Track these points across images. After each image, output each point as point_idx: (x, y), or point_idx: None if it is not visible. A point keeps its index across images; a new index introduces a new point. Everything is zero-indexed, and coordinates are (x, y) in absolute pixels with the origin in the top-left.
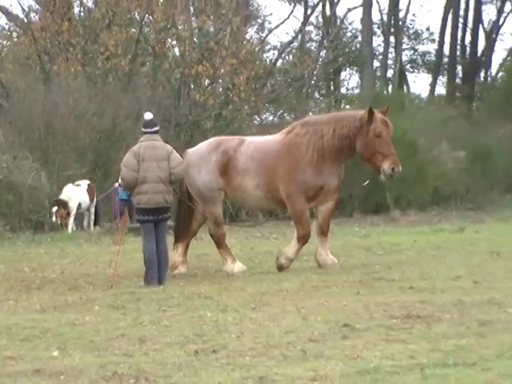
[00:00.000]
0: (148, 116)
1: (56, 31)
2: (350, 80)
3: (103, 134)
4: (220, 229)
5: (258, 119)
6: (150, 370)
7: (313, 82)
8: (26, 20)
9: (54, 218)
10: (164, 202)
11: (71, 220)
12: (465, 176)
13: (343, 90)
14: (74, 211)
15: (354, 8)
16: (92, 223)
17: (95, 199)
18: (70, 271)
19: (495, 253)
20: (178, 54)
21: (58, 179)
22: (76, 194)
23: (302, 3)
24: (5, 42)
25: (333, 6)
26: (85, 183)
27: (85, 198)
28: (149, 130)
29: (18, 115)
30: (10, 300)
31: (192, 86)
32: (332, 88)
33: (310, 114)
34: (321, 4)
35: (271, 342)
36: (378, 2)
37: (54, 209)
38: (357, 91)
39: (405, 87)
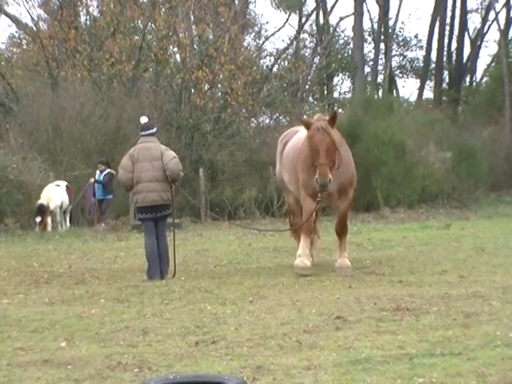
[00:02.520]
0: (143, 120)
1: (63, 39)
2: (343, 85)
3: (108, 137)
4: (293, 217)
5: (255, 122)
6: (153, 360)
7: (307, 86)
8: (34, 28)
9: (37, 229)
10: (160, 200)
11: (58, 218)
12: (451, 176)
13: (336, 95)
14: (57, 210)
15: (346, 16)
16: (68, 223)
17: (72, 200)
18: (76, 266)
19: (480, 248)
20: (179, 60)
21: (66, 179)
22: (57, 194)
23: (297, 12)
24: (15, 50)
25: (326, 14)
26: (63, 184)
27: (65, 198)
28: (144, 132)
29: (27, 118)
30: (20, 294)
31: (192, 90)
32: (325, 92)
33: (305, 117)
34: (314, 13)
35: (268, 334)
36: (368, 11)
37: (38, 219)
38: (349, 95)
39: (394, 92)
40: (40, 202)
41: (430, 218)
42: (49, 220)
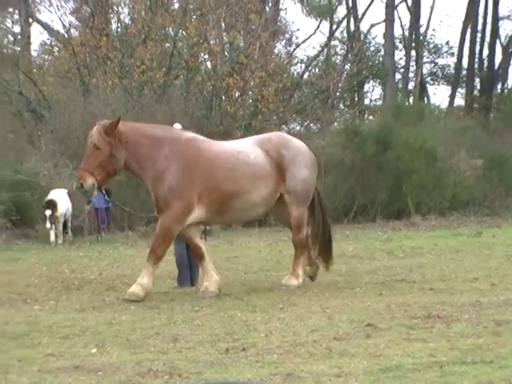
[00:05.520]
0: (177, 126)
1: (95, 46)
2: (373, 92)
3: None
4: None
5: (286, 129)
6: (183, 367)
7: (338, 93)
8: (66, 35)
9: (48, 225)
10: None
11: (60, 227)
12: (482, 183)
13: (367, 102)
14: (61, 219)
15: (377, 24)
16: (69, 232)
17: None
18: (107, 273)
19: (511, 256)
20: (209, 67)
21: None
22: (64, 198)
23: (328, 19)
24: (46, 57)
25: (357, 21)
26: (64, 191)
27: (69, 206)
28: None
29: (59, 125)
30: (51, 300)
31: (223, 97)
32: (356, 99)
33: (335, 124)
34: (345, 20)
35: (298, 341)
36: (399, 18)
37: (48, 213)
38: (379, 102)
39: (425, 98)
40: (49, 197)
41: (461, 225)
42: (60, 227)
